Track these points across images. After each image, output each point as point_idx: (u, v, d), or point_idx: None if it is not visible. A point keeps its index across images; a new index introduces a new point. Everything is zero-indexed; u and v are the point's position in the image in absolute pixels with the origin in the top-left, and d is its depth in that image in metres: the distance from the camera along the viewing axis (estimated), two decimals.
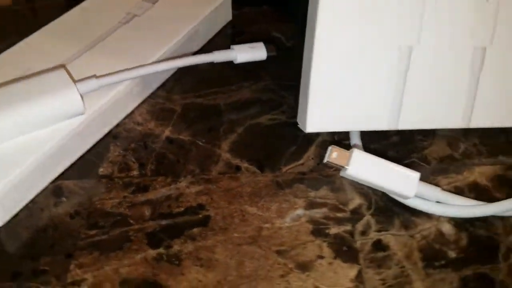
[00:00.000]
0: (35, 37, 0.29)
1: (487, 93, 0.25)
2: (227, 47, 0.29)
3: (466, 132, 0.27)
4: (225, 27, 0.35)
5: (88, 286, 0.20)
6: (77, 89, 0.23)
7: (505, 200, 0.23)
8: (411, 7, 0.23)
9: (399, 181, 0.22)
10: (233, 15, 0.36)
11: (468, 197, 0.24)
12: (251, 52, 0.29)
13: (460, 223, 0.23)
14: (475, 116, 0.25)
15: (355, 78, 0.24)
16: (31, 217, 0.22)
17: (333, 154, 0.22)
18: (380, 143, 0.27)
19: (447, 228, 0.23)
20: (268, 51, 0.29)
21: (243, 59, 0.29)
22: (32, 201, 0.23)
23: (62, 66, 0.25)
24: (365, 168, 0.22)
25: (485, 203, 0.23)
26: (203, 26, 0.32)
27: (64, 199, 0.23)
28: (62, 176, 0.24)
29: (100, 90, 0.25)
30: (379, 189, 0.23)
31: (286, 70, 0.31)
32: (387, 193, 0.23)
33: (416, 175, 0.22)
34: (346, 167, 0.22)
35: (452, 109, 0.25)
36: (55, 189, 0.24)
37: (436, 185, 0.24)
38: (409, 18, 0.23)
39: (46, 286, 0.20)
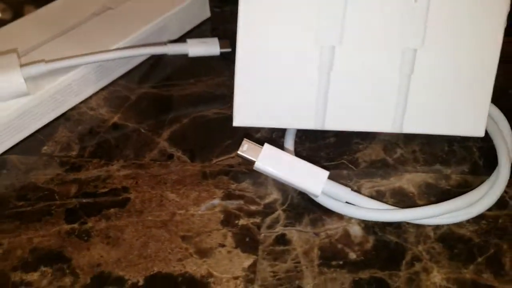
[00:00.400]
0: (18, 23, 0.31)
1: (420, 98, 0.24)
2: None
3: (408, 139, 0.27)
4: (202, 23, 0.36)
5: (3, 250, 0.22)
6: (21, 72, 0.25)
7: (418, 207, 0.22)
8: (331, 5, 0.23)
9: (307, 178, 0.22)
10: (214, 13, 0.37)
11: (387, 202, 0.23)
12: (204, 47, 0.30)
13: (369, 227, 0.22)
14: (407, 122, 0.24)
15: (279, 76, 0.24)
16: None
17: (244, 147, 0.22)
18: (316, 143, 0.27)
19: (354, 230, 0.22)
20: (221, 46, 0.30)
21: (195, 53, 0.30)
22: None
23: (14, 50, 0.27)
24: (274, 163, 0.22)
25: (396, 208, 0.22)
26: (173, 20, 0.33)
27: (5, 171, 0.25)
28: (11, 150, 0.26)
29: (53, 74, 0.27)
30: (290, 185, 0.23)
31: None
32: (297, 189, 0.23)
33: (324, 173, 0.22)
34: (255, 160, 0.22)
35: (381, 112, 0.24)
36: (0, 162, 0.26)
37: (359, 188, 0.24)
38: (329, 17, 0.23)
39: None
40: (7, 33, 0.31)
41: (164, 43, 0.30)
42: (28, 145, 0.27)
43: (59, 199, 0.24)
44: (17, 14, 0.37)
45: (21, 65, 0.26)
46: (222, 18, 0.37)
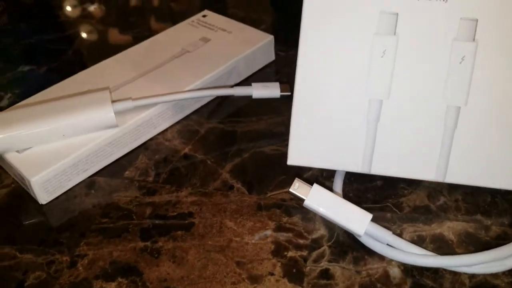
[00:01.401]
0: (107, 62, 0.36)
1: (463, 151, 0.25)
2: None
3: (452, 187, 0.27)
4: (267, 66, 0.39)
5: (88, 260, 0.25)
6: (112, 108, 0.29)
7: (456, 255, 0.23)
8: (381, 62, 0.24)
9: (351, 218, 0.23)
10: (279, 56, 0.39)
11: (427, 247, 0.24)
12: (266, 90, 0.32)
13: (408, 270, 0.23)
14: (450, 172, 0.25)
15: (331, 121, 0.26)
16: (67, 201, 0.28)
17: (296, 185, 0.24)
18: (363, 185, 0.28)
19: (394, 271, 0.23)
20: (282, 90, 0.32)
21: (259, 95, 0.32)
22: (71, 189, 0.29)
23: (107, 88, 0.31)
24: (322, 202, 0.24)
25: (435, 254, 0.23)
26: (242, 63, 0.36)
27: (93, 191, 0.29)
28: (99, 173, 0.30)
29: (136, 109, 0.31)
30: (336, 223, 0.24)
31: None
32: (343, 228, 0.25)
33: (368, 216, 0.23)
34: (305, 198, 0.24)
35: (425, 162, 0.25)
36: (89, 183, 0.29)
37: (401, 231, 0.25)
38: (378, 73, 0.24)
39: (60, 254, 0.25)
40: (99, 70, 0.35)
41: (232, 86, 0.33)
42: (113, 169, 0.30)
43: (136, 219, 0.27)
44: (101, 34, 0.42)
45: (112, 101, 0.29)
46: (285, 61, 0.39)
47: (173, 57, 0.36)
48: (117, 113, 0.29)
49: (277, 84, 0.33)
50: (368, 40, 0.24)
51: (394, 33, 0.24)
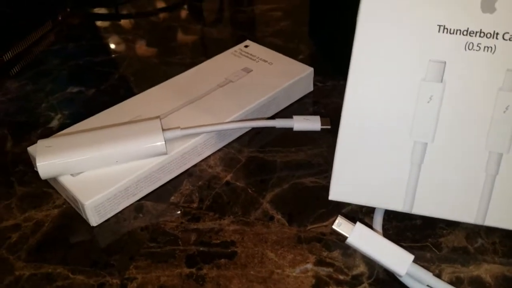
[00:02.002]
0: (155, 89, 0.37)
1: (503, 196, 0.25)
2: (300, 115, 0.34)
3: (490, 230, 0.27)
4: (305, 96, 0.40)
5: (137, 284, 0.26)
6: (163, 136, 0.30)
7: None
8: (427, 106, 0.25)
9: (393, 258, 0.24)
10: (317, 87, 0.40)
11: None
12: (307, 123, 0.33)
13: None
14: (490, 216, 0.25)
15: (374, 160, 0.26)
16: (117, 224, 0.29)
17: (339, 223, 0.25)
18: (403, 222, 0.28)
19: None
20: (322, 123, 0.33)
21: (299, 128, 0.33)
22: (121, 212, 0.30)
23: (158, 117, 0.33)
24: (364, 240, 0.24)
25: None
26: (282, 94, 0.37)
27: (141, 215, 0.30)
28: (146, 197, 0.31)
29: (183, 138, 0.32)
30: (377, 262, 0.25)
31: None
32: (384, 267, 0.25)
33: (410, 257, 0.24)
34: (348, 236, 0.25)
35: (466, 204, 0.26)
36: (137, 206, 0.30)
37: (440, 271, 0.25)
38: (424, 117, 0.25)
39: (110, 276, 0.26)
40: (148, 97, 0.36)
41: (274, 118, 0.34)
42: (160, 194, 0.31)
43: (182, 245, 0.28)
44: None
45: (162, 130, 0.31)
46: (323, 92, 0.40)
47: (217, 86, 0.37)
48: (167, 141, 0.31)
49: (317, 118, 0.33)
50: (416, 85, 0.25)
51: (441, 80, 0.25)
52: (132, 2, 0.55)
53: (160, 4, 0.56)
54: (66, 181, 0.29)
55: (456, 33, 0.24)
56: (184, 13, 0.54)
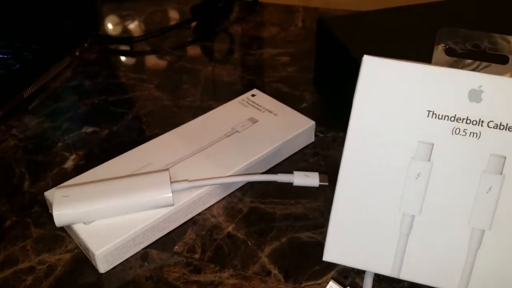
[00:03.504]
0: (165, 136, 0.39)
1: (484, 270, 0.27)
2: (301, 166, 0.36)
3: None
4: (306, 147, 0.42)
5: None
6: (171, 189, 0.32)
7: None
8: (415, 183, 0.27)
9: None
10: (318, 138, 0.42)
11: None
12: (306, 179, 0.35)
13: None
14: (471, 286, 0.27)
15: (366, 228, 0.28)
16: (123, 271, 0.31)
17: (330, 287, 0.27)
18: (391, 285, 0.30)
19: None
20: (321, 180, 0.35)
21: (299, 183, 0.35)
22: (127, 260, 0.32)
23: (167, 170, 0.35)
24: None
25: None
26: (285, 146, 0.39)
27: (146, 263, 0.32)
28: (152, 245, 0.33)
29: (190, 189, 0.34)
30: None
31: None
32: None
33: None
34: None
35: (449, 275, 0.27)
36: (143, 255, 0.32)
37: None
38: (412, 192, 0.27)
39: None
40: (156, 145, 0.38)
41: (275, 172, 0.36)
42: (164, 242, 0.33)
43: None
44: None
45: (171, 182, 0.33)
46: (324, 143, 0.42)
47: (224, 136, 0.39)
48: (174, 192, 0.33)
49: (316, 174, 0.35)
50: (405, 163, 0.27)
51: (429, 160, 0.26)
52: (147, 40, 0.58)
53: (173, 42, 0.59)
54: (79, 229, 0.31)
55: (444, 119, 0.26)
56: (195, 52, 0.56)
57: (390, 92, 0.26)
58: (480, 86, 0.25)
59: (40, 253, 0.32)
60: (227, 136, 0.39)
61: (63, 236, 0.33)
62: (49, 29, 0.57)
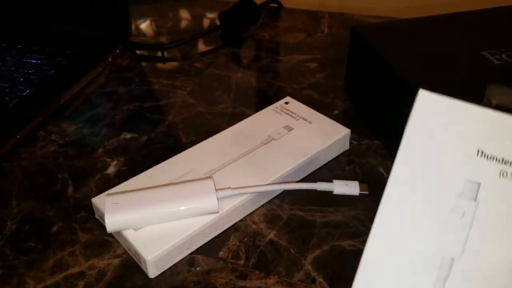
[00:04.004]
0: (204, 144, 0.40)
1: None
2: (336, 174, 0.36)
3: None
4: (341, 155, 0.42)
5: None
6: (216, 196, 0.33)
7: None
8: (458, 224, 0.26)
9: None
10: (353, 145, 0.43)
11: None
12: (346, 188, 0.36)
13: None
14: None
15: (400, 274, 0.27)
16: (171, 276, 0.32)
17: None
18: None
19: None
20: (361, 189, 0.36)
21: (339, 192, 0.36)
22: (175, 265, 0.33)
23: (211, 177, 0.35)
24: None
25: None
26: (322, 153, 0.40)
27: (193, 269, 0.33)
28: (197, 251, 0.34)
29: (233, 196, 0.34)
30: None
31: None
32: None
33: None
34: None
35: None
36: (190, 260, 0.33)
37: None
38: (454, 234, 0.26)
39: None
40: (196, 153, 0.39)
41: (315, 182, 0.36)
42: (209, 248, 0.34)
43: None
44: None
45: (216, 190, 0.33)
46: (359, 151, 0.42)
47: (261, 144, 0.40)
48: (218, 200, 0.33)
49: (356, 183, 0.36)
50: (450, 200, 0.27)
51: (475, 199, 0.27)
52: (178, 47, 0.59)
53: (201, 48, 0.59)
54: (130, 235, 0.32)
55: (493, 160, 0.26)
56: (224, 58, 0.57)
57: (443, 127, 0.26)
58: None
59: (89, 258, 0.33)
60: (264, 144, 0.40)
61: (111, 241, 0.34)
62: (81, 35, 0.58)
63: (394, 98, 0.40)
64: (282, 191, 0.38)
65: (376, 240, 0.28)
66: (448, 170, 0.27)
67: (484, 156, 0.26)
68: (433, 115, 0.27)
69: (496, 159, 0.26)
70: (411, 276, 0.28)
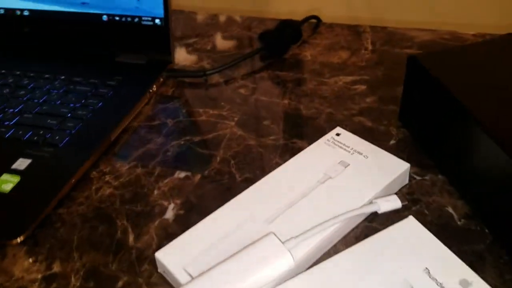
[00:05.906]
0: (259, 185, 0.38)
1: None
2: (403, 215, 0.34)
3: None
4: (401, 190, 0.40)
5: None
6: (291, 256, 0.31)
7: None
8: None
9: None
10: (415, 181, 0.40)
11: None
12: (389, 204, 0.36)
13: None
14: None
15: None
16: None
17: None
18: None
19: None
20: (401, 200, 0.36)
21: (384, 210, 0.36)
22: None
23: (272, 233, 0.33)
24: None
25: None
26: (382, 192, 0.37)
27: None
28: None
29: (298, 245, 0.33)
30: None
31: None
32: None
33: None
34: None
35: None
36: None
37: None
38: None
39: None
40: (250, 196, 0.37)
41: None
42: None
43: None
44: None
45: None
46: (423, 188, 0.39)
47: (318, 183, 0.38)
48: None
49: (395, 196, 0.36)
50: None
51: None
52: (220, 72, 0.57)
53: (244, 71, 0.57)
54: None
55: None
56: (268, 83, 0.55)
57: None
58: None
59: None
60: (321, 183, 0.38)
61: None
62: (124, 64, 0.57)
63: (462, 133, 0.37)
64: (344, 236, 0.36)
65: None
66: None
67: None
68: None
69: None
70: None
